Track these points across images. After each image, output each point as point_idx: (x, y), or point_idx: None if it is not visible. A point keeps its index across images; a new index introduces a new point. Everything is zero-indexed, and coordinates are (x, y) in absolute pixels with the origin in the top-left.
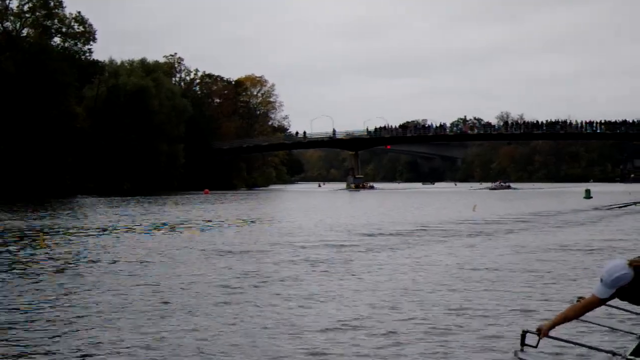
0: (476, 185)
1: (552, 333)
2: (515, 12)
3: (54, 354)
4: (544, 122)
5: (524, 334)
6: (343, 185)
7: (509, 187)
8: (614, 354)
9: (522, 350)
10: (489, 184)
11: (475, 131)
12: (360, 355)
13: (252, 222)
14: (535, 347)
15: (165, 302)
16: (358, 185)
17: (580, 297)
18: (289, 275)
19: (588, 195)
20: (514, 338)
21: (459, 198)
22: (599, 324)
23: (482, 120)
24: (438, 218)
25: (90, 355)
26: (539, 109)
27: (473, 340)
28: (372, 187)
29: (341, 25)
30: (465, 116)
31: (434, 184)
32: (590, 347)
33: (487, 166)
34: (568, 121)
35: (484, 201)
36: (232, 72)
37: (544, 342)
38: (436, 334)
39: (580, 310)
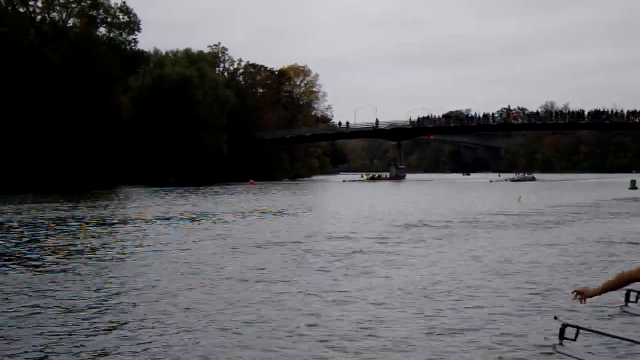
0: (495, 176)
1: (592, 327)
2: (560, 1)
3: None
4: (589, 111)
5: (563, 328)
6: (358, 176)
7: (532, 179)
8: None
9: (560, 343)
10: (512, 175)
11: (520, 121)
12: (396, 341)
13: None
14: (575, 340)
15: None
16: (374, 176)
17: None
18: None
19: (633, 185)
20: (554, 332)
21: (478, 191)
22: None
23: (526, 109)
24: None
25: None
26: (584, 99)
27: (511, 334)
28: (398, 177)
29: (383, 15)
30: (509, 106)
31: (469, 174)
32: (631, 341)
33: (531, 156)
34: (614, 111)
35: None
36: (273, 63)
37: (583, 335)
38: (474, 328)
39: (625, 279)
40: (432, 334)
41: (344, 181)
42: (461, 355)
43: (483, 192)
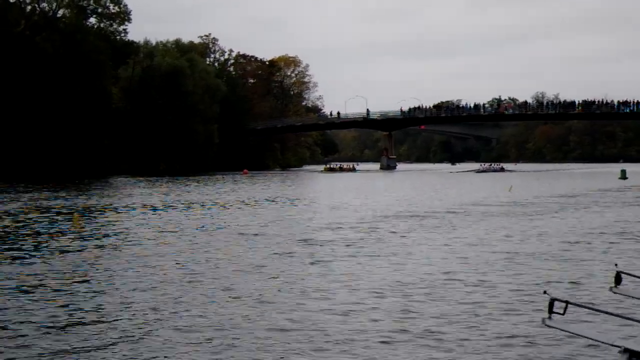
0: (460, 167)
1: (581, 302)
2: None
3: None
4: (580, 102)
5: (552, 302)
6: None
7: (502, 170)
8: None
9: (549, 317)
10: (477, 166)
11: (510, 111)
12: (400, 322)
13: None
14: (563, 314)
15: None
16: (334, 168)
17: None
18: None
19: (623, 175)
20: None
21: (443, 182)
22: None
23: (517, 100)
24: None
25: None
26: (575, 89)
27: (501, 310)
28: (353, 169)
29: (374, 5)
30: (500, 96)
31: (455, 164)
32: (617, 315)
33: (522, 146)
34: (604, 101)
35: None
36: (264, 53)
37: (572, 310)
38: (465, 304)
39: None
40: (418, 314)
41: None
42: (453, 329)
43: (467, 182)
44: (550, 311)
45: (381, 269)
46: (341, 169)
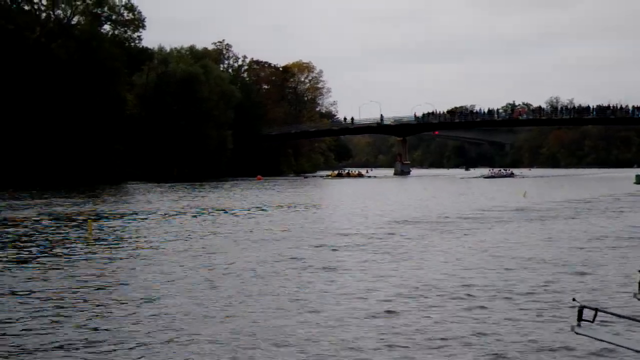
0: (472, 172)
1: (610, 309)
2: None
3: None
4: (594, 107)
5: (581, 309)
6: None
7: (511, 175)
8: None
9: (579, 325)
10: (485, 171)
11: (524, 116)
12: (415, 329)
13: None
14: (592, 322)
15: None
16: (341, 173)
17: None
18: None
19: (638, 180)
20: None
21: (448, 187)
22: None
23: (531, 105)
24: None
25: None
26: (589, 94)
27: (527, 317)
28: (361, 175)
29: (389, 11)
30: (514, 101)
31: (468, 169)
32: None
33: (536, 151)
34: (618, 106)
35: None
36: (277, 60)
37: (601, 317)
38: (493, 311)
39: None
40: (446, 322)
41: (305, 177)
42: (479, 335)
43: (484, 188)
44: (580, 318)
45: (397, 274)
46: (349, 175)
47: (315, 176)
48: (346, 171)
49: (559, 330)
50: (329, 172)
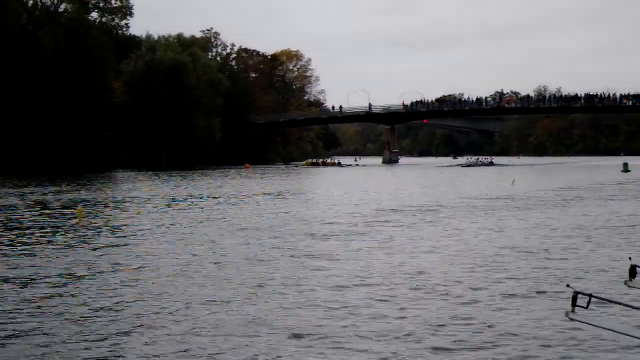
0: (456, 160)
1: (603, 296)
2: None
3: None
4: (582, 95)
5: (575, 295)
6: (350, 160)
7: (490, 164)
8: None
9: (573, 310)
10: (463, 160)
11: (512, 105)
12: (416, 315)
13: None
14: (586, 308)
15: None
16: (316, 162)
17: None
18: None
19: (626, 169)
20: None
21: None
22: None
23: (519, 93)
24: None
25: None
26: (577, 83)
27: (521, 304)
28: (339, 164)
29: (378, 0)
30: (502, 89)
31: (456, 158)
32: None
33: (524, 140)
34: (606, 94)
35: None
36: (265, 47)
37: (595, 304)
38: (488, 299)
39: None
40: (445, 309)
41: (296, 166)
42: (473, 322)
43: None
44: (574, 304)
45: (393, 263)
46: (324, 164)
47: (297, 165)
48: (321, 160)
49: (553, 316)
50: (306, 161)
